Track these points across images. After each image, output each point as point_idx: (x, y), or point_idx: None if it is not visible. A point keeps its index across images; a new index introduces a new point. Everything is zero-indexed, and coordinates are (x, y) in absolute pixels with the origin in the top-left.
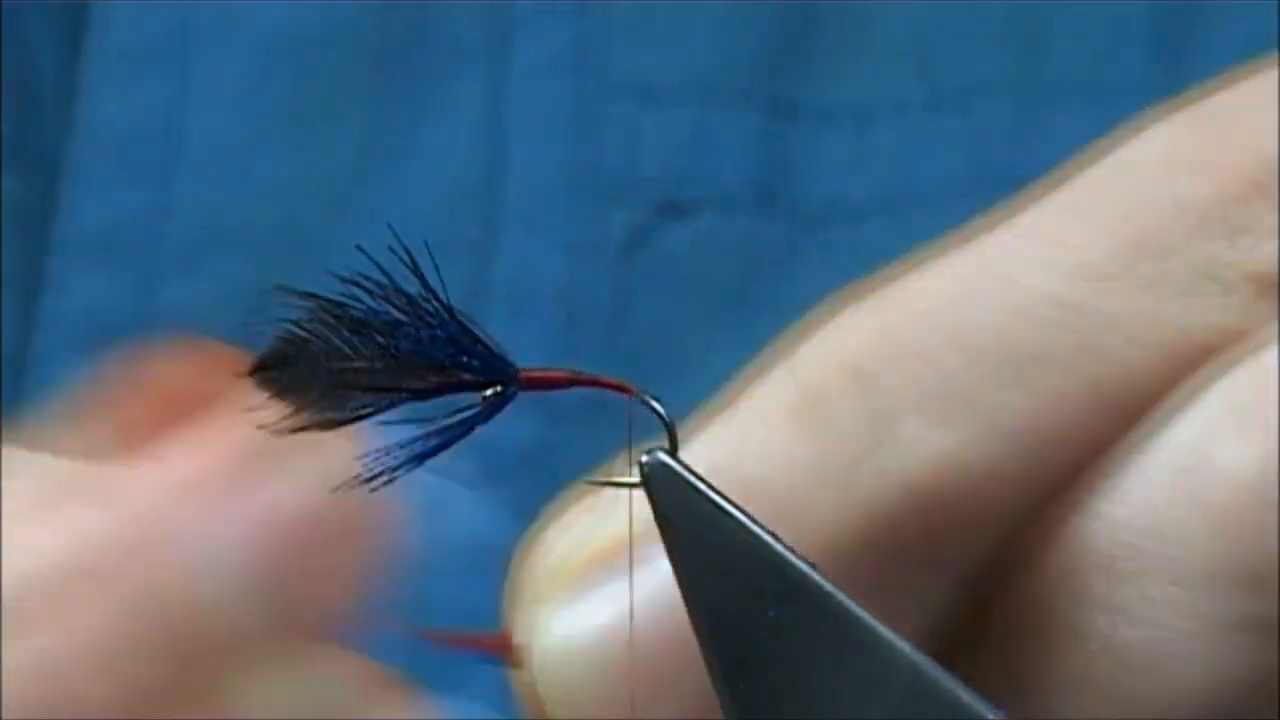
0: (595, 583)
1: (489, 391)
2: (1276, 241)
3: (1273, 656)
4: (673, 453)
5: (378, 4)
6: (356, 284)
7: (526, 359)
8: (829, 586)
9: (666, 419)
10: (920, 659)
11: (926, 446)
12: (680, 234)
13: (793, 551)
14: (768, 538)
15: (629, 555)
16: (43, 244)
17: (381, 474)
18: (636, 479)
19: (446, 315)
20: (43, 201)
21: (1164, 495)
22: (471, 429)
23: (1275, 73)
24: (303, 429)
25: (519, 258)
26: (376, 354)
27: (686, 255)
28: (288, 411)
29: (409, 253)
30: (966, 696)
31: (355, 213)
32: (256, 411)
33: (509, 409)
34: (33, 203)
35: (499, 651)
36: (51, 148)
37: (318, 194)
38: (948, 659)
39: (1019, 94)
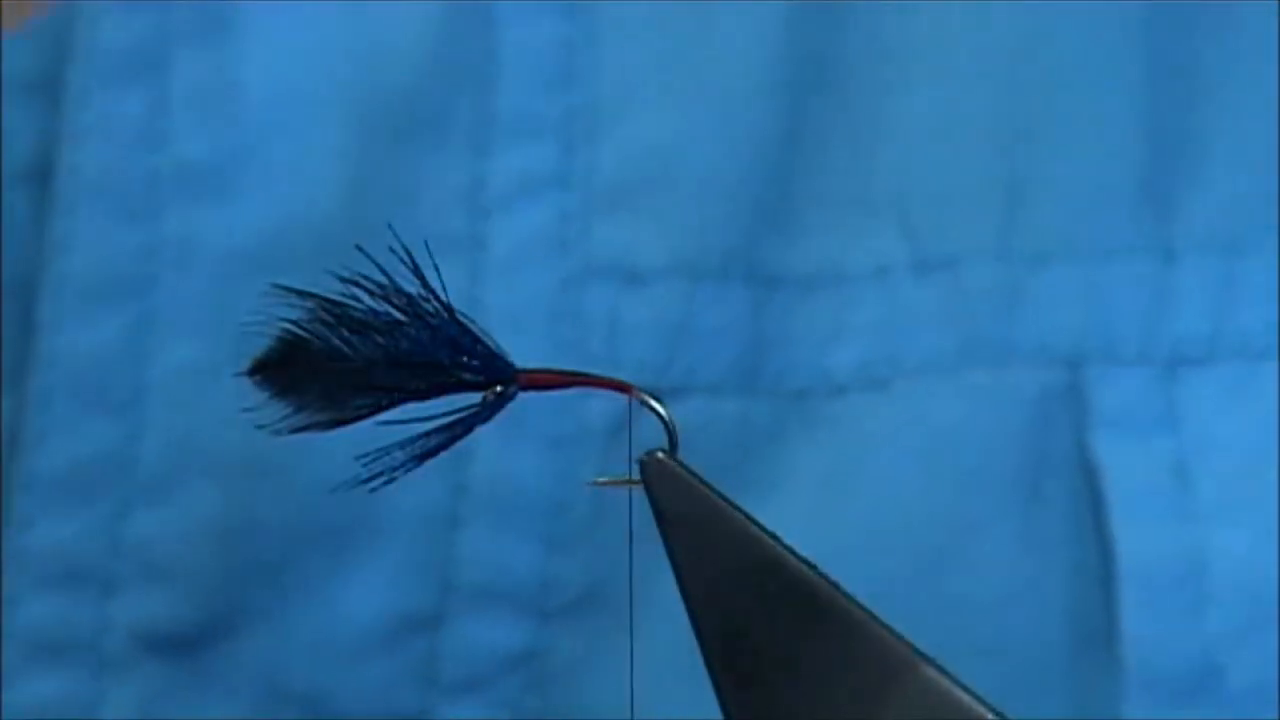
0: None
1: (489, 391)
2: None
3: None
4: (673, 453)
5: (349, 205)
6: (356, 284)
7: (511, 559)
8: (829, 587)
9: (666, 419)
10: (920, 660)
11: None
12: None
13: (793, 552)
14: (768, 538)
15: (630, 555)
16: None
17: (381, 474)
18: (636, 479)
19: (446, 315)
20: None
21: None
22: (471, 429)
23: None
24: (303, 429)
25: (497, 455)
26: (376, 354)
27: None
28: (288, 411)
29: (409, 253)
30: (967, 697)
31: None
32: (256, 411)
33: None
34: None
35: None
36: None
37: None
38: None
39: (1003, 258)
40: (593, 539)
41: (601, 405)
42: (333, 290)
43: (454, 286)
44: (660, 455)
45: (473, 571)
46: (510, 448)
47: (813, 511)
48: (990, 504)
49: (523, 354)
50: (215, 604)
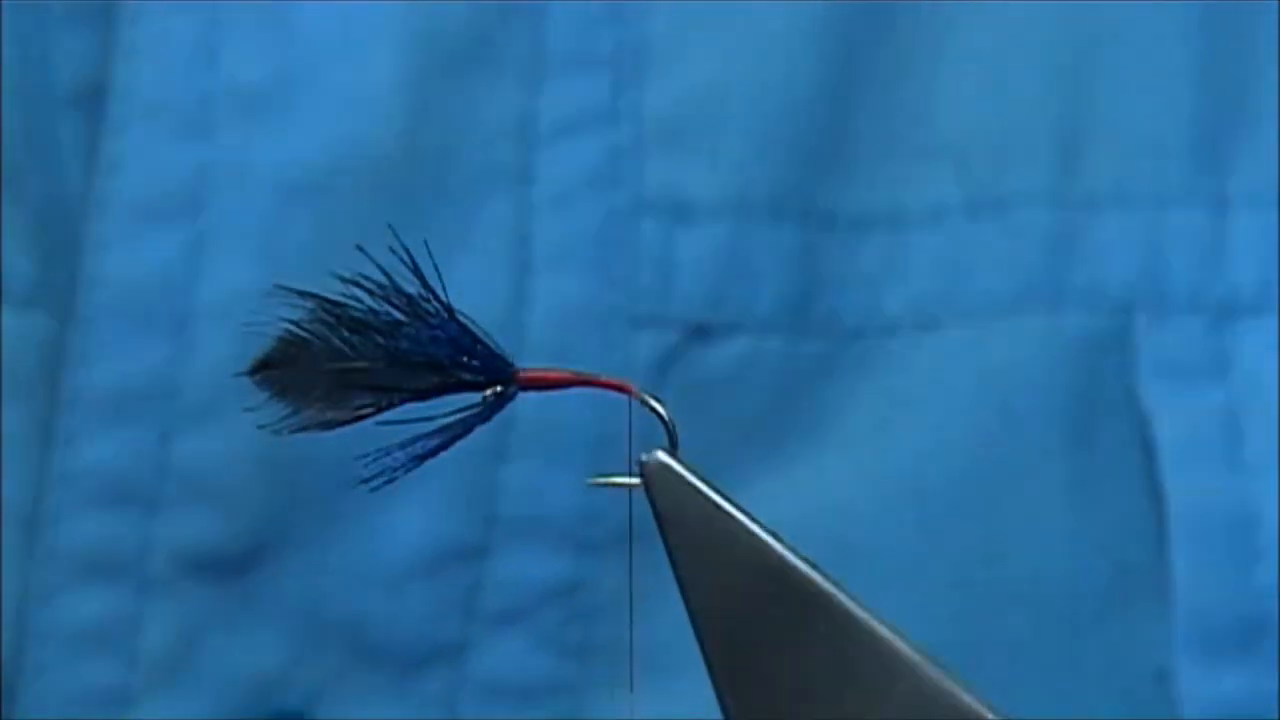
0: None
1: (489, 391)
2: None
3: None
4: (673, 452)
5: (402, 133)
6: (356, 284)
7: (556, 494)
8: (829, 586)
9: (666, 419)
10: (920, 659)
11: None
12: (713, 357)
13: (793, 551)
14: (768, 538)
15: (629, 556)
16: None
17: (382, 474)
18: (636, 479)
19: (446, 315)
20: (68, 349)
21: None
22: (471, 429)
23: None
24: (303, 429)
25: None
26: (376, 354)
27: (719, 379)
28: (288, 411)
29: (409, 252)
30: (967, 697)
31: None
32: (257, 411)
33: None
34: (64, 343)
35: None
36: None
37: None
38: None
39: (1058, 203)
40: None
41: (650, 340)
42: (333, 290)
43: (505, 222)
44: (660, 455)
45: (516, 504)
46: None
47: (861, 451)
48: (1039, 447)
49: (574, 288)
50: (258, 529)
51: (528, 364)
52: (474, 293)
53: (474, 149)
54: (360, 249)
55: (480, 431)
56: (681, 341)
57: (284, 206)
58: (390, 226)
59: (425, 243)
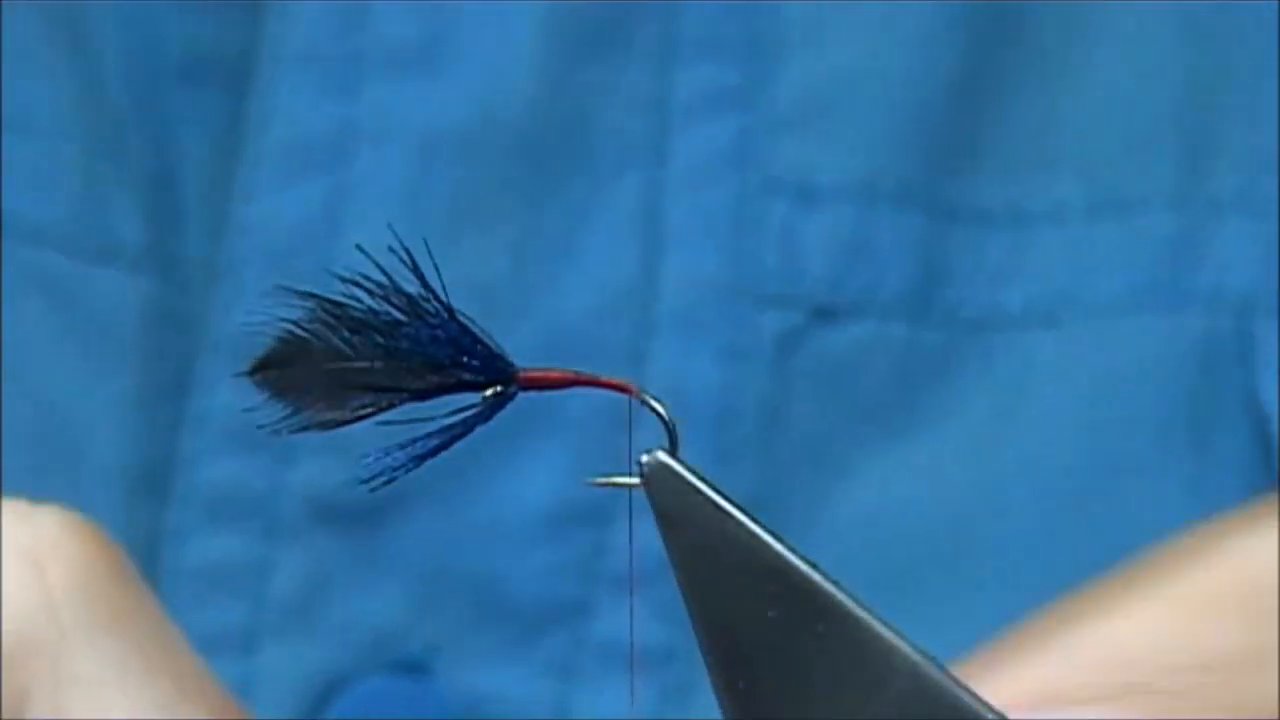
0: None
1: (489, 391)
2: None
3: None
4: (673, 453)
5: (539, 103)
6: (356, 284)
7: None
8: (829, 586)
9: (667, 419)
10: (920, 659)
11: None
12: (836, 339)
13: (794, 551)
14: (768, 538)
15: (630, 556)
16: (181, 348)
17: (382, 474)
18: (636, 479)
19: (446, 315)
20: (183, 304)
21: None
22: (471, 429)
23: None
24: (303, 429)
25: (672, 361)
26: (376, 354)
27: (842, 361)
28: (288, 411)
29: (409, 252)
30: (966, 697)
31: (511, 315)
32: (257, 411)
33: None
34: (172, 305)
35: None
36: (194, 247)
37: (473, 295)
38: None
39: (1181, 206)
40: (761, 450)
41: (775, 319)
42: (333, 290)
43: (636, 198)
44: (661, 455)
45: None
46: (687, 355)
47: (977, 443)
48: (1156, 447)
49: (702, 266)
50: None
51: (653, 341)
52: (604, 265)
53: (609, 125)
54: (360, 249)
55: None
56: (806, 322)
57: (424, 165)
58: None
59: (425, 242)
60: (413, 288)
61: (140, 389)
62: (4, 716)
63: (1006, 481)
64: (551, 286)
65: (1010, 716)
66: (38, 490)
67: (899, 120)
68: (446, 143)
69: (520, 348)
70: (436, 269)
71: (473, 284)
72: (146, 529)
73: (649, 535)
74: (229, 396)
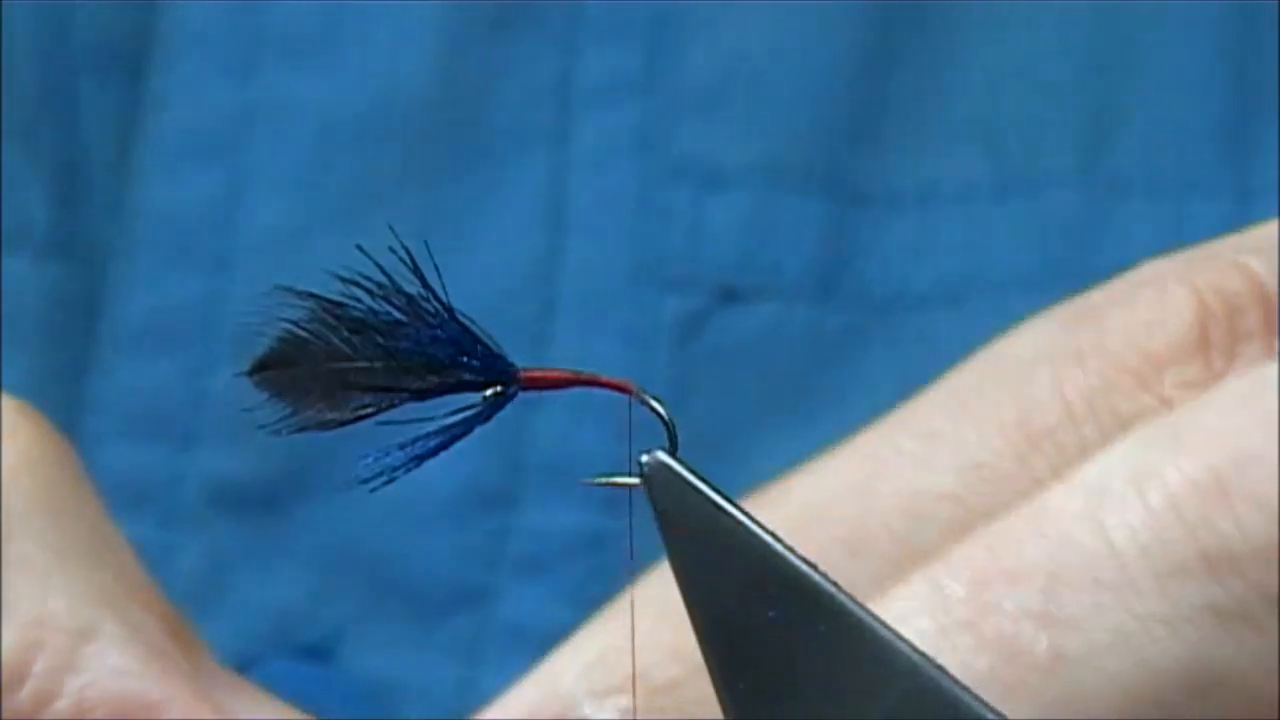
0: None
1: (489, 391)
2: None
3: (1226, 646)
4: (673, 453)
5: (440, 88)
6: (356, 284)
7: (582, 446)
8: (829, 586)
9: (667, 419)
10: (920, 659)
11: None
12: (739, 322)
13: (793, 551)
14: (768, 538)
15: (630, 556)
16: (85, 331)
17: (382, 474)
18: (636, 479)
19: (446, 315)
20: (87, 287)
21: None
22: (471, 429)
23: (1143, 274)
24: (303, 429)
25: (575, 344)
26: (376, 354)
27: (745, 343)
28: (288, 411)
29: (409, 252)
30: (966, 697)
31: None
32: (257, 411)
33: None
34: (77, 289)
35: None
36: (98, 234)
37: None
38: None
39: (1086, 185)
40: None
41: (678, 302)
42: (333, 290)
43: (539, 181)
44: (661, 456)
45: (545, 454)
46: (590, 338)
47: None
48: None
49: (605, 249)
50: (290, 465)
51: (555, 323)
52: (506, 248)
53: (511, 107)
54: (360, 249)
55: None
56: (710, 304)
57: (323, 148)
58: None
59: (425, 243)
60: (413, 288)
61: (43, 372)
62: None
63: None
64: (453, 269)
65: None
66: None
67: (801, 102)
68: (346, 126)
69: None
70: (437, 269)
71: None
72: None
73: (555, 516)
74: (128, 380)
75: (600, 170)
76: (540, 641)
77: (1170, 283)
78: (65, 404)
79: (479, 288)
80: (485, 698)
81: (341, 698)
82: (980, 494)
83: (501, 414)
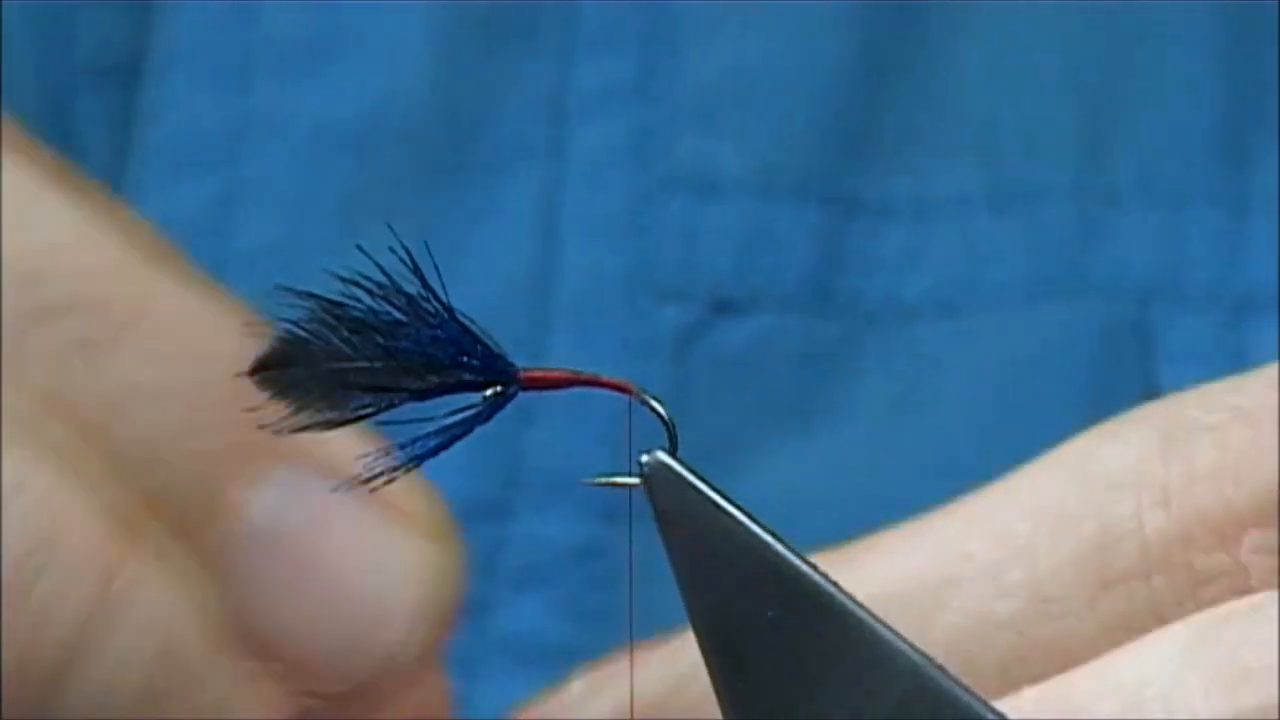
0: None
1: (489, 391)
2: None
3: None
4: (673, 453)
5: (436, 98)
6: (356, 284)
7: (579, 458)
8: (829, 586)
9: (667, 419)
10: (920, 659)
11: None
12: (735, 332)
13: (793, 551)
14: (768, 538)
15: (629, 555)
16: None
17: (381, 474)
18: (636, 479)
19: (446, 315)
20: None
21: None
22: (471, 429)
23: (1244, 393)
24: (303, 429)
25: (570, 355)
26: (376, 354)
27: (741, 353)
28: (288, 411)
29: (409, 252)
30: (966, 697)
31: None
32: (257, 411)
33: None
34: None
35: None
36: None
37: None
38: None
39: (1082, 196)
40: None
41: (674, 312)
42: (333, 290)
43: (534, 192)
44: (661, 456)
45: (539, 465)
46: (585, 350)
47: (879, 433)
48: (1056, 437)
49: (600, 260)
50: None
51: (550, 334)
52: (501, 259)
53: (506, 118)
54: (360, 249)
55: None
56: (706, 315)
57: (317, 160)
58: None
59: (425, 243)
60: (413, 288)
61: None
62: None
63: (906, 473)
64: (449, 279)
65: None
66: None
67: (797, 113)
68: (340, 138)
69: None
70: (437, 269)
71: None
72: None
73: (550, 528)
74: None
75: (595, 181)
76: (537, 652)
77: (1264, 421)
78: None
79: (474, 299)
80: (482, 709)
81: None
82: (1045, 629)
83: (496, 424)
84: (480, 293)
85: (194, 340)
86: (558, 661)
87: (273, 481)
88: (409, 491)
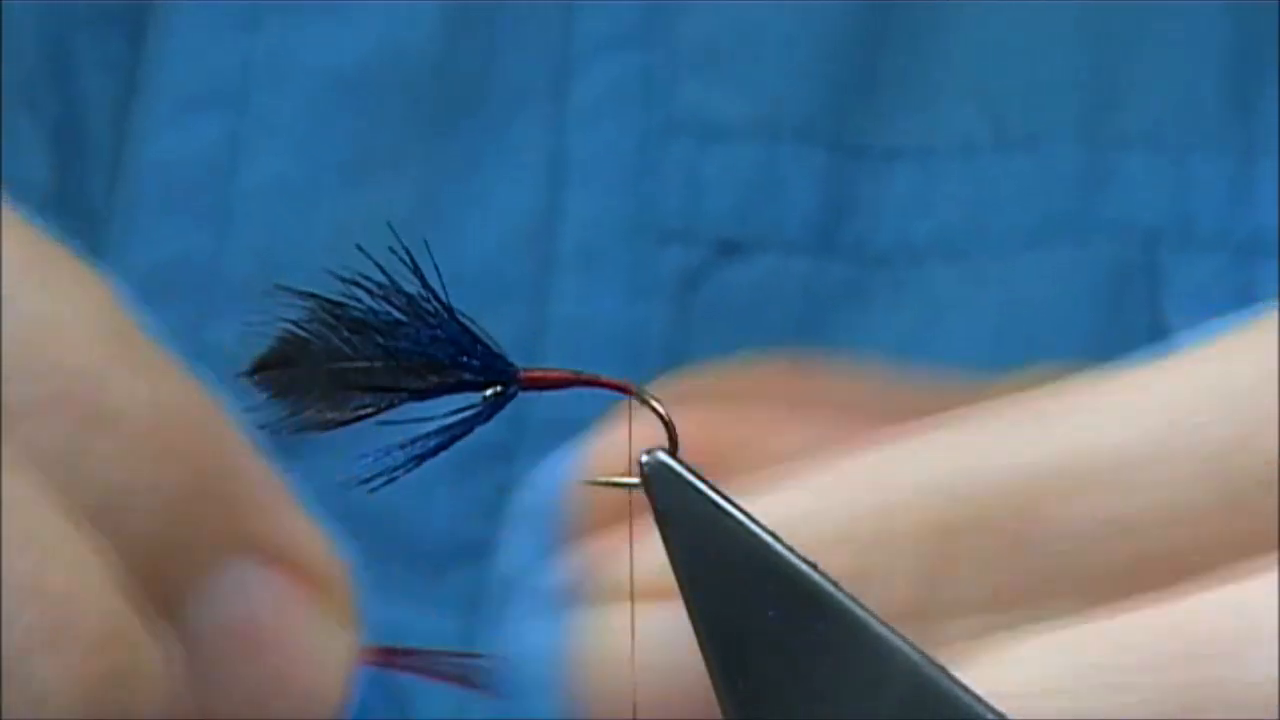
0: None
1: (489, 391)
2: None
3: None
4: (673, 453)
5: (442, 41)
6: (356, 284)
7: (584, 400)
8: (829, 586)
9: (666, 419)
10: (920, 659)
11: None
12: (739, 274)
13: (793, 551)
14: (768, 538)
15: (629, 555)
16: None
17: (382, 474)
18: (636, 479)
19: (446, 315)
20: (87, 242)
21: None
22: (471, 429)
23: None
24: (303, 429)
25: (576, 297)
26: (376, 354)
27: (746, 296)
28: (288, 411)
29: (409, 252)
30: (966, 697)
31: (414, 252)
32: (256, 412)
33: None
34: (77, 244)
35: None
36: (98, 188)
37: (374, 235)
38: None
39: (1088, 140)
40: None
41: (679, 254)
42: (333, 290)
43: (539, 135)
44: (660, 455)
45: (545, 407)
46: (590, 292)
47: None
48: (1066, 374)
49: (605, 202)
50: None
51: (555, 276)
52: (506, 202)
53: (511, 63)
54: (360, 249)
55: (515, 329)
56: (710, 258)
57: (323, 103)
58: (390, 226)
59: (425, 243)
60: (413, 288)
61: None
62: None
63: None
64: (455, 223)
65: None
66: None
67: (801, 57)
68: (347, 79)
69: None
70: (437, 269)
71: (373, 221)
72: None
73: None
74: None
75: (600, 124)
76: (540, 597)
77: None
78: None
79: (480, 241)
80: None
81: None
82: (1172, 535)
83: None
84: (486, 235)
85: (167, 439)
86: (561, 602)
87: (225, 573)
88: (334, 572)
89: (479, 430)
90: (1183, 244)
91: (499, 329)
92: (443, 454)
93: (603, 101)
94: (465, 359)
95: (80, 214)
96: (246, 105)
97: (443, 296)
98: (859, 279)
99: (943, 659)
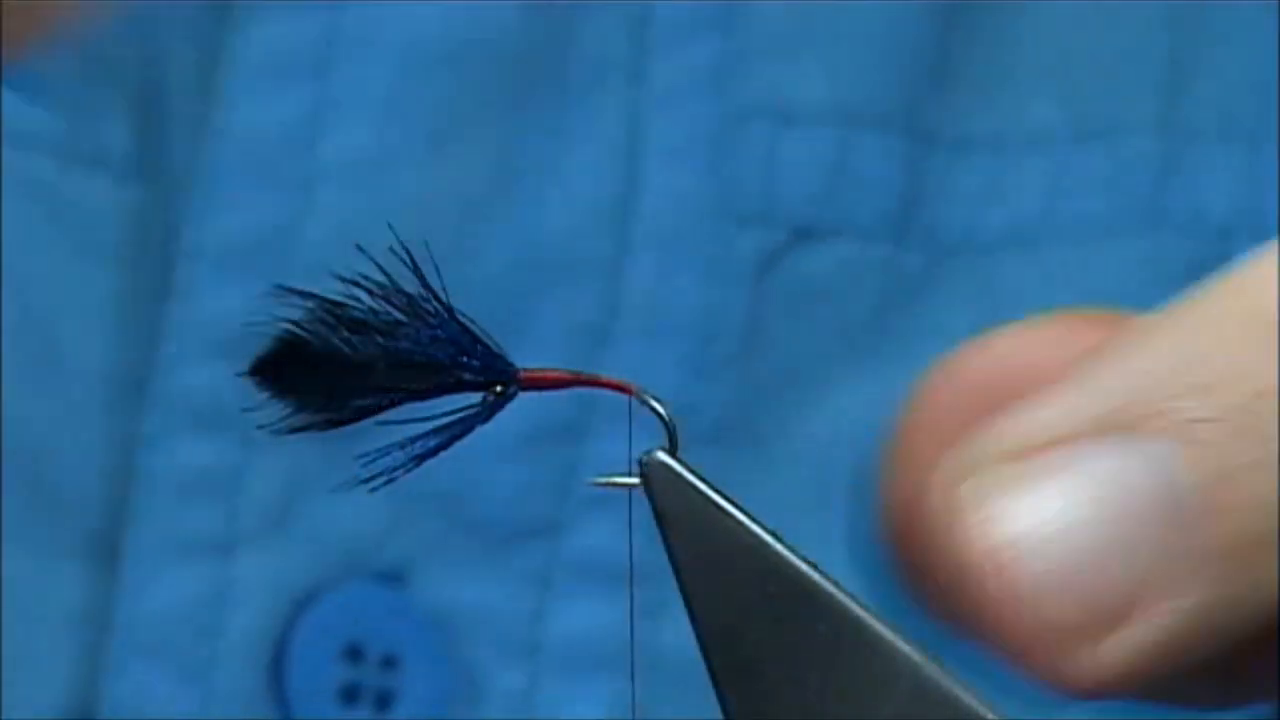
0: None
1: (489, 391)
2: None
3: None
4: (673, 452)
5: (523, 18)
6: (356, 284)
7: (657, 380)
8: (829, 586)
9: (666, 419)
10: (920, 659)
11: None
12: (815, 260)
13: (793, 551)
14: (768, 538)
15: (629, 556)
16: (165, 254)
17: (381, 474)
18: (636, 479)
19: (446, 315)
20: (168, 210)
21: None
22: (471, 429)
23: None
24: (302, 429)
25: (651, 278)
26: (376, 354)
27: (820, 281)
28: (287, 411)
29: (409, 252)
30: (966, 697)
31: (489, 228)
32: (255, 412)
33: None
34: (157, 212)
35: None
36: (181, 157)
37: (453, 208)
38: None
39: (1164, 132)
40: (738, 369)
41: (755, 238)
42: (333, 290)
43: (617, 115)
44: (660, 455)
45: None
46: (666, 273)
47: None
48: None
49: (682, 184)
50: None
51: (630, 258)
52: (584, 181)
53: (591, 40)
54: (360, 248)
55: (586, 311)
56: (786, 242)
57: (407, 75)
58: (391, 226)
59: (426, 243)
60: (413, 288)
61: (124, 295)
62: None
63: None
64: (532, 201)
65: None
66: (21, 390)
67: (879, 43)
68: (431, 54)
69: (500, 263)
70: (437, 269)
71: (452, 194)
72: (125, 432)
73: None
74: (208, 302)
75: (678, 106)
76: (609, 572)
77: None
78: (146, 327)
79: (558, 220)
80: (555, 626)
81: (414, 623)
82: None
83: (575, 346)
84: (564, 213)
85: None
86: (630, 580)
87: None
88: None
89: (547, 408)
90: (1256, 237)
91: (573, 307)
92: (511, 430)
93: (681, 83)
94: (465, 359)
95: (161, 184)
96: (328, 75)
97: (442, 297)
98: (932, 267)
99: None
